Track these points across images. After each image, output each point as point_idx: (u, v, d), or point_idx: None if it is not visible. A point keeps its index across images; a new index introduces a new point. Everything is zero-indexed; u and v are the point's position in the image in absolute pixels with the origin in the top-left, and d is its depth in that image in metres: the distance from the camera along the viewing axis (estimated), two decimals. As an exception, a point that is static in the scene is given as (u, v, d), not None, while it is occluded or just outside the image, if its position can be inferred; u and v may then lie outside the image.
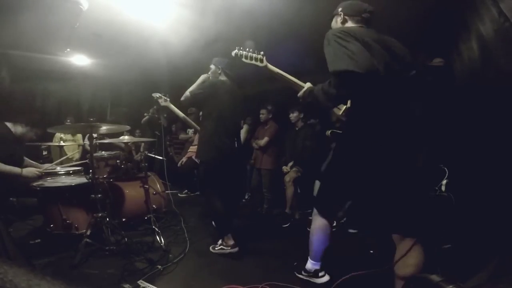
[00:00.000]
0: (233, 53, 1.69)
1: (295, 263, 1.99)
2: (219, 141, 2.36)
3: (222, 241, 2.38)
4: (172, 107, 2.83)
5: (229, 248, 2.32)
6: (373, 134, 1.34)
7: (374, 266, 1.50)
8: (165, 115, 3.63)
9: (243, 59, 1.67)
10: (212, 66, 2.51)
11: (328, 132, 2.39)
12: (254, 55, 1.68)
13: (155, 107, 2.84)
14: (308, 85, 1.61)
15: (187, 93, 2.40)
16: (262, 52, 1.70)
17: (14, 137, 2.52)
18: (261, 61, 1.69)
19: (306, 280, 1.87)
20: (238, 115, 2.62)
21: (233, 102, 2.43)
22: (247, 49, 1.68)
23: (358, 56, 1.20)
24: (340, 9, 1.55)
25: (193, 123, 3.06)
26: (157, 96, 2.80)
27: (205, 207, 3.47)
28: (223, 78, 2.48)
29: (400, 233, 1.39)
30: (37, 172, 2.35)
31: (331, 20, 1.63)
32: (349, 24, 1.52)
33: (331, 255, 1.89)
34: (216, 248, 2.40)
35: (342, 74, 1.22)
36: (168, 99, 2.82)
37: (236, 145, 2.47)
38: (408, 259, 1.34)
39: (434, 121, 1.64)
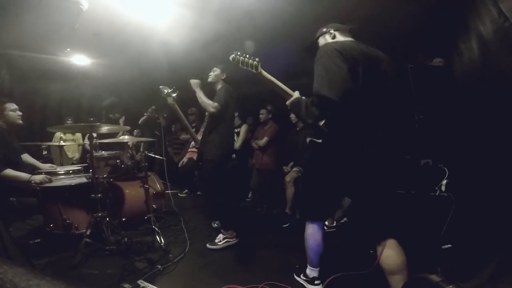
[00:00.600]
0: (230, 58, 1.71)
1: (297, 266, 1.99)
2: (229, 142, 2.63)
3: (226, 234, 2.50)
4: (178, 109, 2.65)
5: (234, 239, 2.51)
6: (346, 145, 1.46)
7: (367, 262, 1.51)
8: (165, 115, 3.61)
9: (240, 65, 1.70)
10: (217, 69, 2.57)
11: (308, 140, 2.54)
12: (250, 61, 1.70)
13: (153, 107, 2.72)
14: (296, 94, 1.66)
15: (216, 104, 2.41)
16: (257, 59, 1.72)
17: (9, 134, 2.50)
18: (256, 68, 1.71)
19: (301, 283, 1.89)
20: (233, 116, 2.83)
21: (234, 105, 2.63)
22: (244, 55, 1.69)
23: (338, 82, 1.32)
24: (326, 29, 1.67)
25: (189, 126, 3.05)
26: (166, 91, 2.54)
27: (206, 206, 3.48)
28: (223, 84, 2.60)
29: (373, 236, 1.51)
30: (46, 179, 2.35)
31: (315, 44, 1.72)
32: (339, 38, 1.62)
33: (331, 255, 1.89)
34: (219, 243, 2.47)
35: (322, 97, 1.34)
36: (176, 98, 2.59)
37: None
38: (387, 251, 1.44)
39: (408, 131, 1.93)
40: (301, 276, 1.89)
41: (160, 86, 2.55)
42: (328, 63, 1.36)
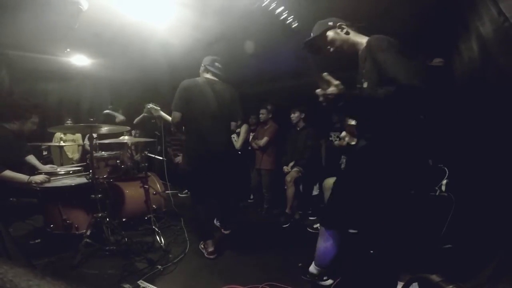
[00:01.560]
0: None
1: (299, 264, 1.97)
2: (197, 150, 2.24)
3: (204, 243, 2.35)
4: (164, 115, 2.62)
5: (207, 254, 2.29)
6: (399, 152, 1.34)
7: (373, 266, 1.51)
8: None
9: None
10: (201, 68, 2.42)
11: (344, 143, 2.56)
12: None
13: (148, 106, 2.72)
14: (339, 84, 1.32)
15: (173, 115, 2.22)
16: None
17: (14, 137, 2.51)
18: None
19: (308, 281, 1.87)
20: (224, 115, 2.33)
21: (216, 101, 2.25)
22: None
23: (420, 71, 1.22)
24: (333, 23, 1.58)
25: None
26: (149, 106, 2.60)
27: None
28: (206, 76, 2.33)
29: None
30: (46, 179, 2.37)
31: (320, 38, 1.60)
32: (353, 35, 1.57)
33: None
34: (200, 247, 2.42)
35: (413, 88, 1.19)
36: (159, 108, 2.62)
37: (224, 148, 2.32)
38: None
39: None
40: (307, 275, 1.84)
41: (146, 105, 2.61)
42: (401, 51, 1.27)
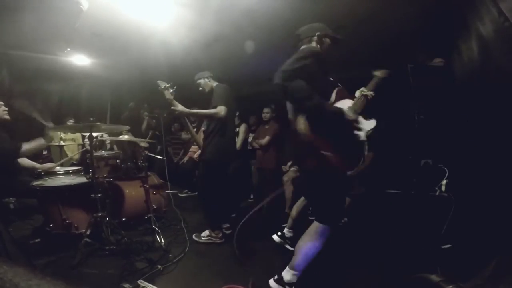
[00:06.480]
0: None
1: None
2: (230, 144, 2.61)
3: (211, 232, 2.59)
4: (176, 103, 2.53)
5: (218, 239, 2.57)
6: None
7: (367, 262, 1.50)
8: (165, 115, 3.60)
9: None
10: (201, 81, 2.67)
11: None
12: None
13: (162, 86, 2.66)
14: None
15: (221, 107, 2.41)
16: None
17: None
18: None
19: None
20: (234, 116, 2.77)
21: (233, 103, 2.59)
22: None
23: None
24: (319, 32, 1.82)
25: (190, 126, 3.03)
26: (164, 86, 2.44)
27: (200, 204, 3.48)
28: (215, 83, 2.62)
29: None
30: (53, 167, 2.70)
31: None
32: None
33: (330, 254, 1.89)
34: (203, 238, 2.59)
35: None
36: (173, 93, 2.52)
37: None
38: None
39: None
40: (275, 278, 1.74)
41: (158, 81, 2.49)
42: None
